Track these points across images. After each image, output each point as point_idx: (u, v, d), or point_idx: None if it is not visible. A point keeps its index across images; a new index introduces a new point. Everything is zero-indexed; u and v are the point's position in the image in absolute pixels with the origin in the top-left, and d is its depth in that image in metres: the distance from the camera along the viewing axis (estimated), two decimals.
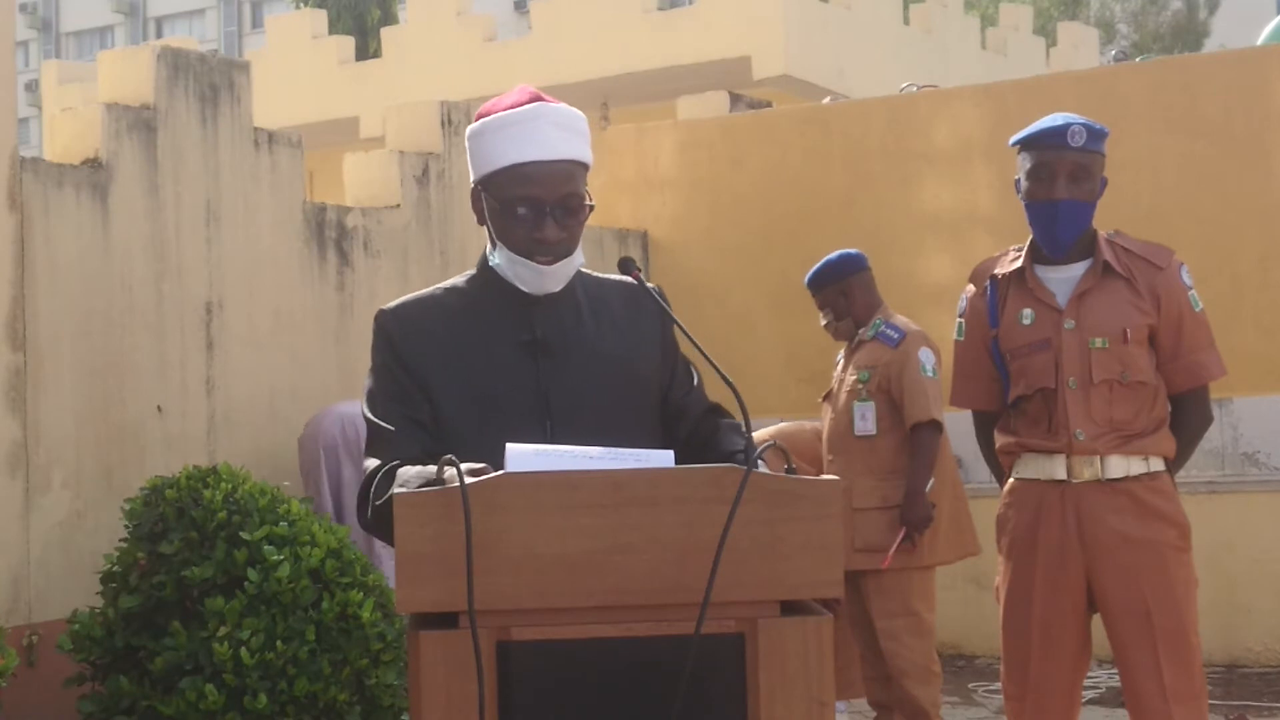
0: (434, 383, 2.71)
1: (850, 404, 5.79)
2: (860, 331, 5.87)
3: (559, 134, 2.70)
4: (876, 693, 5.88)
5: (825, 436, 5.96)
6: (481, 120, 2.76)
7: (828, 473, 5.81)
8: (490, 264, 2.77)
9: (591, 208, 2.75)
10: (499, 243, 2.74)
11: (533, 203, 2.68)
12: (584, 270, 2.83)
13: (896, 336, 5.76)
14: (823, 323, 6.00)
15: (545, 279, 2.71)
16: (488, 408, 2.68)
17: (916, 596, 5.70)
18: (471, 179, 2.80)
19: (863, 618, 5.79)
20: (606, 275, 2.89)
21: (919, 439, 5.63)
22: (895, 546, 5.61)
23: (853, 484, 5.66)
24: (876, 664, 5.81)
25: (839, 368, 5.99)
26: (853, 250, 6.02)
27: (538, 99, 2.75)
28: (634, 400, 2.76)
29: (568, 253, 2.71)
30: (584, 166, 2.73)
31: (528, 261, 2.70)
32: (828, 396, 6.01)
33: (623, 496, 2.33)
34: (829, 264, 5.94)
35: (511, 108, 2.74)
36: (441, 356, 2.72)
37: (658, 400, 2.81)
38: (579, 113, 2.79)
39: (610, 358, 2.74)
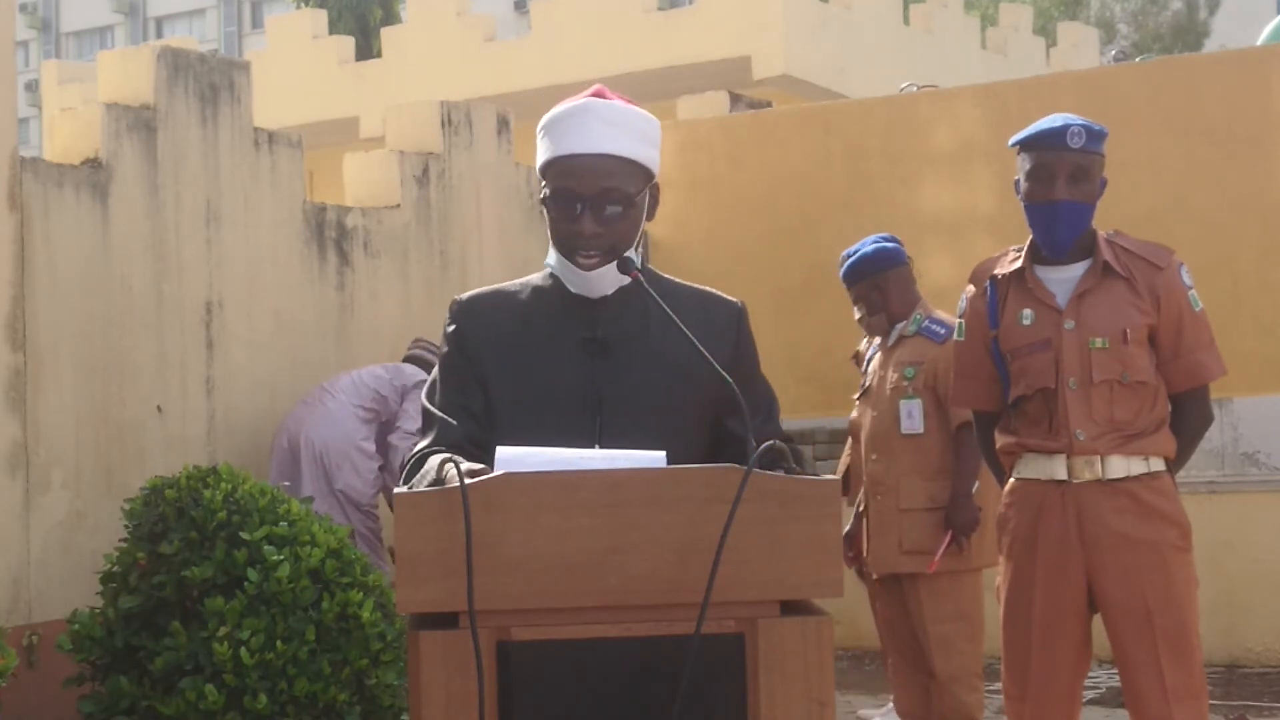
0: (490, 374, 2.72)
1: (895, 401, 5.48)
2: (900, 326, 5.59)
3: (604, 129, 2.68)
4: (908, 701, 5.65)
5: (867, 435, 5.64)
6: (545, 116, 2.76)
7: (870, 473, 5.59)
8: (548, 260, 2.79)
9: (640, 207, 2.70)
10: (550, 240, 2.75)
11: (570, 195, 2.67)
12: (661, 274, 2.81)
13: (943, 332, 5.42)
14: (856, 316, 5.69)
15: (588, 281, 2.70)
16: (539, 403, 2.68)
17: (969, 600, 5.47)
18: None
19: (901, 622, 5.57)
20: (685, 283, 2.86)
21: (964, 439, 5.28)
22: (943, 550, 5.37)
23: (898, 484, 5.45)
24: (911, 672, 5.60)
25: (873, 363, 5.71)
26: (889, 241, 5.70)
27: (599, 95, 2.73)
28: (688, 408, 2.72)
29: (609, 250, 2.68)
30: (632, 164, 2.69)
31: (568, 263, 2.71)
32: (864, 395, 5.71)
33: (622, 496, 2.33)
34: (864, 258, 5.61)
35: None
36: (501, 349, 2.73)
37: (712, 414, 2.75)
38: (642, 113, 2.74)
39: (669, 363, 2.71)
